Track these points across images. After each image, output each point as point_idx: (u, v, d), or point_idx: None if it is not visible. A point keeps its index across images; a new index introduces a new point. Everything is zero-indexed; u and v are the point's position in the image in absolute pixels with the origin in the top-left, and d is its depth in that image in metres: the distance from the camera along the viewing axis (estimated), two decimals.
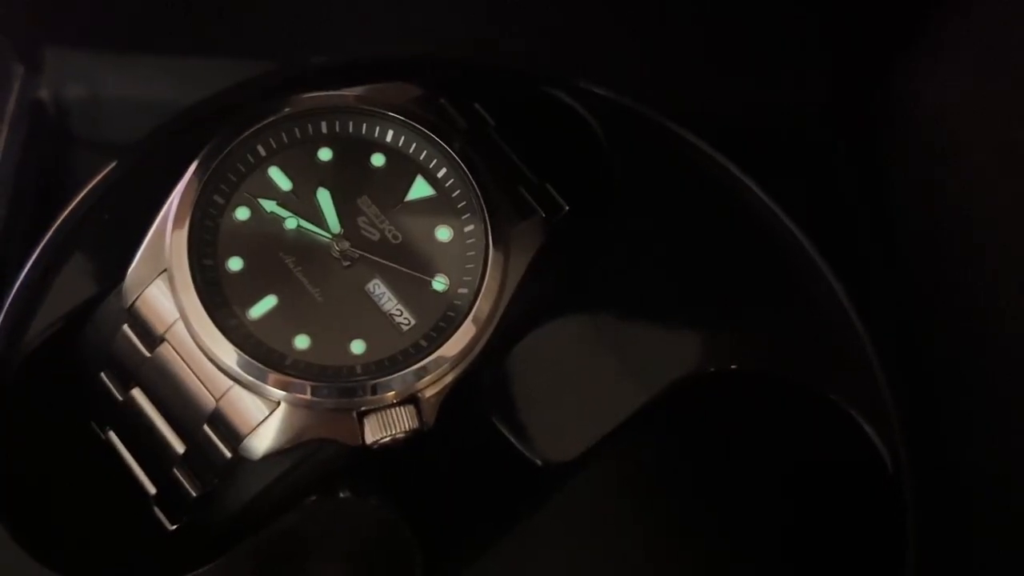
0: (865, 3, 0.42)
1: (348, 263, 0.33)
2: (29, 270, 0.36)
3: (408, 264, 0.33)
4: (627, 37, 0.43)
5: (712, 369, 0.36)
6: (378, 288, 0.32)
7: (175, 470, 0.32)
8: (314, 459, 0.32)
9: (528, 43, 0.40)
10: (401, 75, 0.35)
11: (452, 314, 0.32)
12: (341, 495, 0.34)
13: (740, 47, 0.44)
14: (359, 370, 0.31)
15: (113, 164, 0.37)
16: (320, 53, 0.39)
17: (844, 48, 0.44)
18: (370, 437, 0.31)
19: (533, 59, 0.39)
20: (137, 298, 0.32)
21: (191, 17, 0.43)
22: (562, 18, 0.42)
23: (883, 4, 0.42)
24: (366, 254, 0.33)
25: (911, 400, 0.36)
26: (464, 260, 0.33)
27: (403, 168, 0.34)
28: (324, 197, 0.33)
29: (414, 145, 0.34)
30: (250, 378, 0.31)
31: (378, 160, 0.34)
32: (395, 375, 0.31)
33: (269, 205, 0.33)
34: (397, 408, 0.31)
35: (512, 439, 0.35)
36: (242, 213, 0.33)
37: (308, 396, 0.31)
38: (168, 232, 0.32)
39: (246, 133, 0.33)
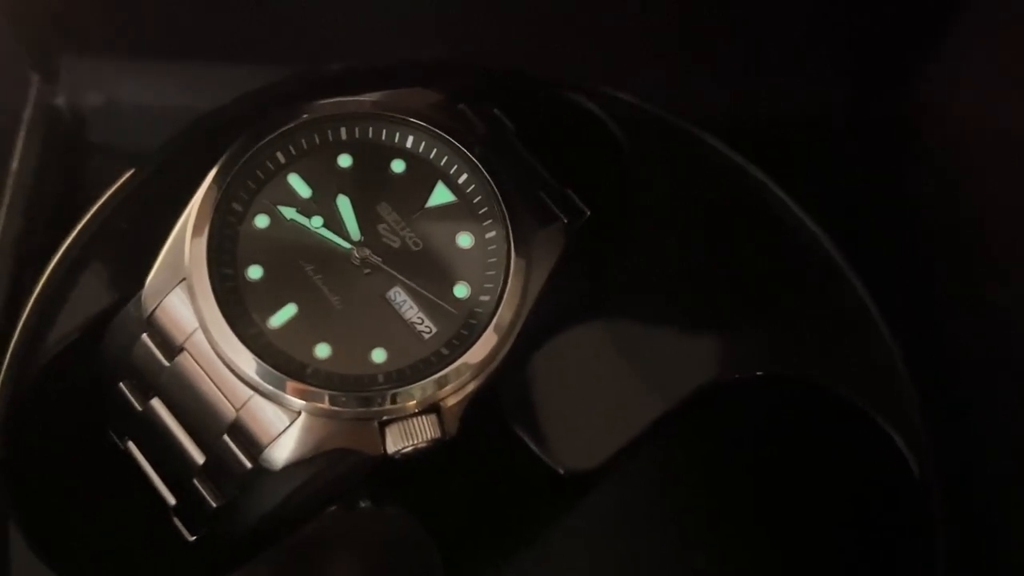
0: (887, 7, 0.42)
1: (368, 271, 0.32)
2: (47, 279, 0.36)
3: (429, 271, 0.32)
4: (647, 41, 0.42)
5: (736, 375, 0.35)
6: (399, 296, 0.32)
7: (195, 481, 0.32)
8: (335, 469, 0.32)
9: (548, 48, 0.39)
10: (420, 80, 0.35)
11: (474, 322, 0.32)
12: (362, 505, 0.34)
13: (761, 50, 0.43)
14: (380, 379, 0.31)
15: (131, 172, 0.37)
16: (338, 59, 0.39)
17: (866, 51, 0.44)
18: (391, 447, 0.31)
19: (553, 64, 0.39)
20: (156, 307, 0.32)
21: (207, 23, 0.43)
22: (581, 22, 0.41)
23: (905, 8, 0.42)
24: (386, 261, 0.32)
25: (937, 405, 0.36)
26: (485, 267, 0.32)
27: (423, 174, 0.33)
28: (344, 204, 0.33)
29: (434, 151, 0.34)
30: (270, 388, 0.30)
31: (398, 166, 0.34)
32: (416, 384, 0.31)
33: (289, 212, 0.33)
34: (419, 417, 0.31)
35: (534, 447, 0.34)
36: (261, 221, 0.33)
37: (329, 406, 0.31)
38: (187, 240, 0.32)
39: (265, 140, 0.33)
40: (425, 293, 0.32)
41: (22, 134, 0.42)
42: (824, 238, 0.37)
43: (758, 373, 0.35)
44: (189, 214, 0.32)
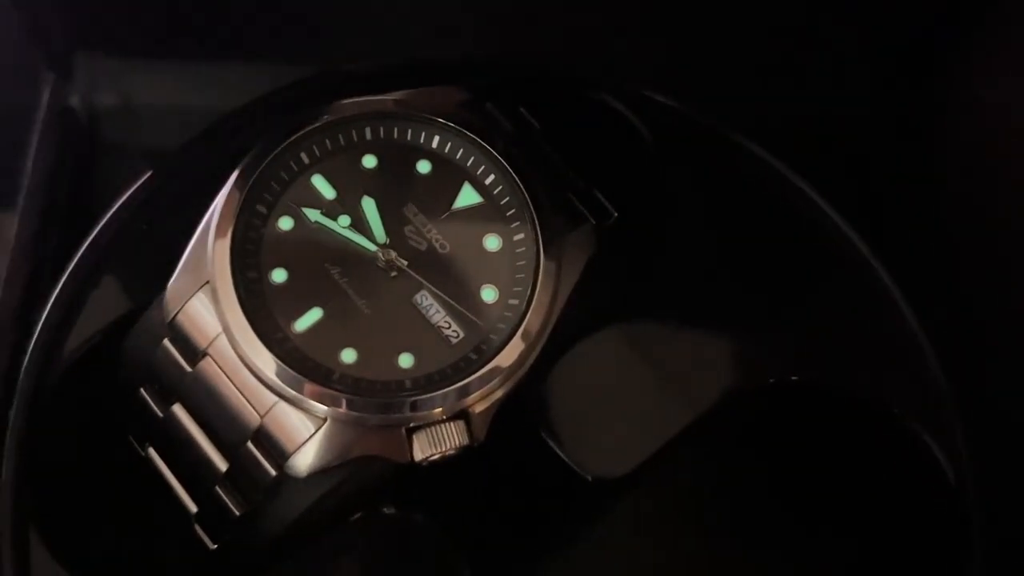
0: (913, 5, 0.41)
1: (395, 274, 0.32)
2: (66, 282, 0.35)
3: (456, 274, 0.32)
4: (673, 39, 0.42)
5: (771, 380, 0.34)
6: (426, 299, 0.31)
7: (217, 488, 0.32)
8: (360, 476, 0.31)
9: (574, 46, 0.39)
10: (446, 79, 0.35)
11: (502, 326, 0.31)
12: (386, 511, 0.33)
13: (787, 48, 0.43)
14: (407, 384, 0.31)
15: (151, 172, 0.36)
16: (361, 57, 0.38)
17: (892, 48, 0.43)
18: (419, 454, 0.30)
19: (579, 62, 0.38)
20: (178, 311, 0.31)
21: (223, 21, 0.42)
22: (609, 20, 0.41)
23: (930, 6, 0.41)
24: (413, 264, 0.32)
25: (974, 411, 0.35)
26: (514, 270, 0.32)
27: (450, 175, 0.33)
28: (369, 206, 0.32)
29: (461, 151, 0.33)
30: (295, 393, 0.30)
31: (424, 167, 0.33)
32: (444, 390, 0.30)
33: (313, 214, 0.32)
34: (447, 424, 0.30)
35: (561, 454, 0.34)
36: (285, 223, 0.32)
37: (355, 412, 0.30)
38: (210, 243, 0.31)
39: (289, 140, 0.32)
40: (452, 297, 0.32)
41: (37, 134, 0.42)
42: (857, 239, 0.36)
43: (792, 378, 0.35)
44: (212, 216, 0.32)
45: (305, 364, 0.30)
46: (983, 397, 0.36)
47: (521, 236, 0.32)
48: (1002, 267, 0.38)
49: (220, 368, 0.31)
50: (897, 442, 0.35)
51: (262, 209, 0.32)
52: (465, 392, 0.30)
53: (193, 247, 0.32)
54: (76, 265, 0.35)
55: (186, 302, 0.31)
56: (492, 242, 0.32)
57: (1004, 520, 0.34)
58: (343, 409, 0.30)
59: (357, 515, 0.33)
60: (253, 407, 0.31)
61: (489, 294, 0.32)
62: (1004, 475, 0.35)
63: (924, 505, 0.35)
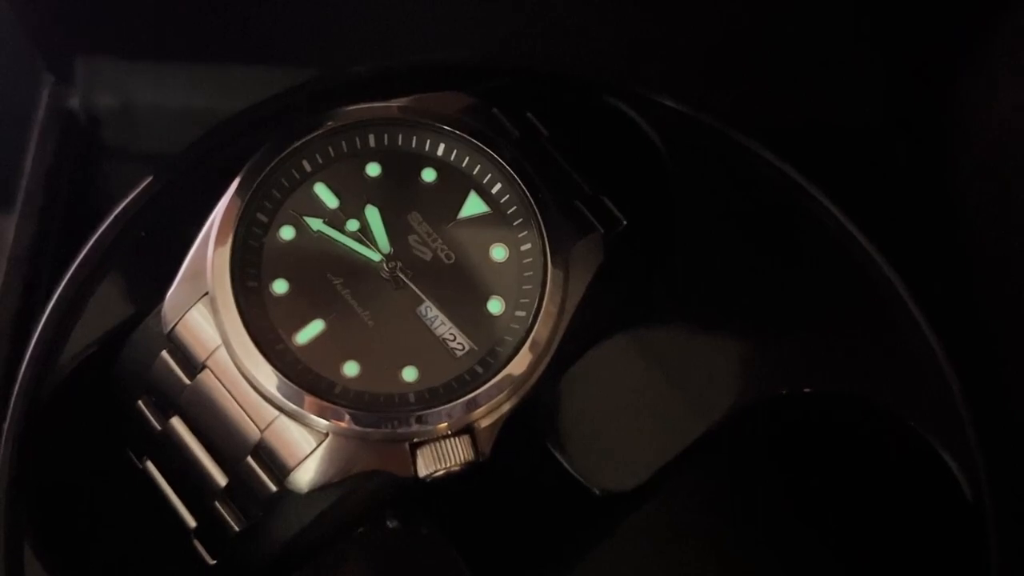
0: (927, 12, 0.40)
1: (398, 285, 0.31)
2: (63, 290, 0.34)
3: (462, 286, 0.31)
4: (684, 44, 0.41)
5: (783, 391, 0.34)
6: (430, 311, 0.31)
7: (216, 503, 0.31)
8: (363, 491, 0.31)
9: (582, 50, 0.38)
10: (451, 83, 0.34)
11: (509, 338, 0.31)
12: (390, 524, 0.32)
13: (799, 54, 0.42)
14: (411, 398, 0.30)
15: (150, 179, 0.35)
16: (363, 61, 0.37)
17: (905, 55, 0.42)
18: (423, 470, 0.30)
19: (587, 66, 0.37)
20: (177, 323, 0.31)
21: (224, 23, 0.42)
22: (618, 24, 0.40)
23: (945, 12, 0.40)
24: (417, 275, 0.31)
25: (992, 425, 0.34)
26: (521, 280, 0.31)
27: (455, 183, 0.32)
28: (373, 215, 0.32)
29: (467, 159, 0.32)
30: (296, 408, 0.29)
31: (429, 175, 0.32)
32: (449, 404, 0.30)
33: (315, 223, 0.31)
34: (451, 439, 0.30)
35: (569, 467, 0.33)
36: (287, 232, 0.31)
37: (358, 427, 0.30)
38: (209, 252, 0.31)
39: (290, 148, 0.32)
40: (458, 308, 0.31)
41: (36, 136, 0.41)
42: (871, 249, 0.36)
43: (805, 390, 0.34)
44: (211, 224, 0.31)
45: (306, 377, 0.30)
46: (1000, 409, 0.35)
47: (528, 246, 0.32)
48: (1022, 278, 0.38)
49: (219, 381, 0.30)
50: (912, 454, 0.34)
51: (263, 218, 0.31)
52: (471, 406, 0.30)
53: (192, 256, 0.31)
54: (74, 271, 0.35)
55: (185, 313, 0.30)
56: (498, 252, 0.32)
57: (1021, 533, 0.34)
58: (345, 424, 0.29)
59: (360, 529, 0.32)
60: (253, 421, 0.30)
61: (495, 305, 0.31)
62: (1021, 488, 0.34)
63: (939, 518, 0.34)
